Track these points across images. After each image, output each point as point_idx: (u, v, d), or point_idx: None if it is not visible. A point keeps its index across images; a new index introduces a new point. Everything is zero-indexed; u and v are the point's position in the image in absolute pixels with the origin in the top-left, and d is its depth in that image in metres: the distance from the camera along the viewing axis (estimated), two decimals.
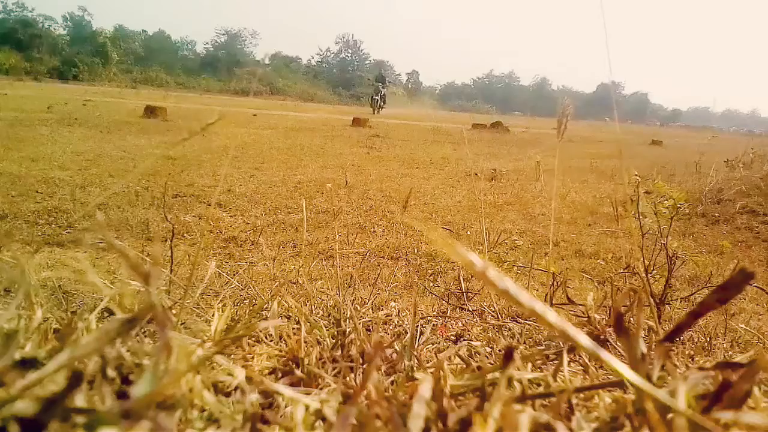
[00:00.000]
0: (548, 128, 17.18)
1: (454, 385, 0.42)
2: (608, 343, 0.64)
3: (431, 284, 2.06)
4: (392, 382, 0.50)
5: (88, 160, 4.65)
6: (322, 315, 0.83)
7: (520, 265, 2.04)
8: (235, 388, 0.43)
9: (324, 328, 0.63)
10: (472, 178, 5.53)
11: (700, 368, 0.36)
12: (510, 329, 0.94)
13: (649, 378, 0.34)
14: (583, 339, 0.31)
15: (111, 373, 0.37)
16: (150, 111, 9.89)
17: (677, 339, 0.43)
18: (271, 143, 7.42)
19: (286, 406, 0.41)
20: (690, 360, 0.83)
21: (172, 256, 1.36)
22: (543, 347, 0.64)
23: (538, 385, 0.48)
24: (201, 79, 50.28)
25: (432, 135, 11.37)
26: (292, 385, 0.47)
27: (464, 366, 0.57)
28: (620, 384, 0.41)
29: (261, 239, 2.62)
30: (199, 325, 0.57)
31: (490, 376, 0.41)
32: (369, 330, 0.80)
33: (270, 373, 0.50)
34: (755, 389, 0.40)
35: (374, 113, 18.76)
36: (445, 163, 6.89)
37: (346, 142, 8.49)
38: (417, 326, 0.70)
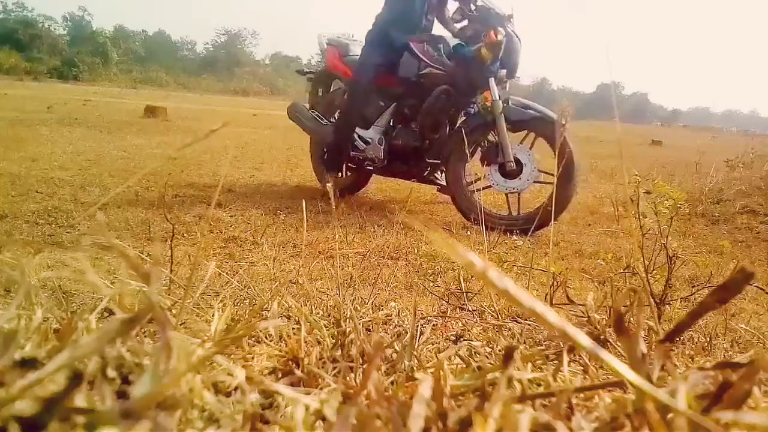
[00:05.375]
0: None
1: (454, 385, 0.42)
2: (608, 343, 0.64)
3: (431, 284, 2.06)
4: (392, 382, 0.50)
5: (88, 160, 4.64)
6: (322, 315, 0.83)
7: (520, 265, 2.04)
8: (235, 388, 0.43)
9: (324, 328, 0.63)
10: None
11: (700, 368, 0.36)
12: (510, 329, 0.94)
13: (649, 378, 0.34)
14: (583, 339, 0.31)
15: (111, 373, 0.37)
16: (150, 111, 9.89)
17: (677, 339, 0.43)
18: (271, 143, 7.41)
19: (286, 406, 0.41)
20: (690, 360, 0.83)
21: (172, 256, 1.36)
22: (543, 347, 0.64)
23: (538, 385, 0.48)
24: (201, 79, 50.29)
25: None
26: (292, 385, 0.47)
27: (464, 366, 0.57)
28: (620, 384, 0.41)
29: (262, 239, 2.62)
30: (199, 325, 0.57)
31: (490, 376, 0.41)
32: (369, 330, 0.80)
33: (270, 373, 0.50)
34: (755, 389, 0.40)
35: None
36: None
37: None
38: (417, 326, 0.70)
